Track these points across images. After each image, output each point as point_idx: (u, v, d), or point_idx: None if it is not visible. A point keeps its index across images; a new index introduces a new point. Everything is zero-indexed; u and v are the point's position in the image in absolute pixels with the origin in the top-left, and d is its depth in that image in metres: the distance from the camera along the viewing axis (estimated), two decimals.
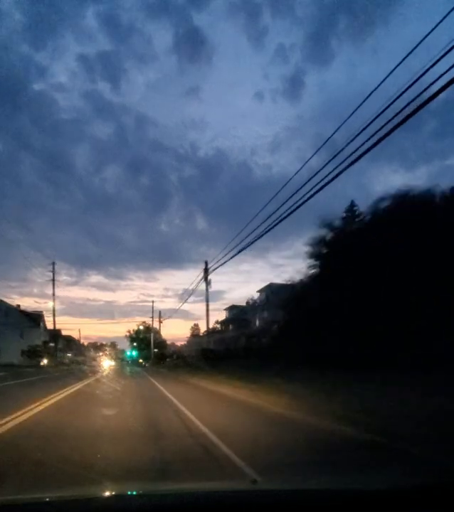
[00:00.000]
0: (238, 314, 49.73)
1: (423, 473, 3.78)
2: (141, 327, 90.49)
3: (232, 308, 52.78)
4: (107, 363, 46.42)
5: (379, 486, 1.88)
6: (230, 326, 50.49)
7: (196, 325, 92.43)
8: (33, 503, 1.64)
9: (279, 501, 1.66)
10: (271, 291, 38.46)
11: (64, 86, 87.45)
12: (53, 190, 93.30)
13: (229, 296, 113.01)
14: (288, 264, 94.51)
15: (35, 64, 77.72)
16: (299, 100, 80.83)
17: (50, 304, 46.04)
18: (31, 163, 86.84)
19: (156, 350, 68.85)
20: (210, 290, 26.86)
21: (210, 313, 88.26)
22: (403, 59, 7.12)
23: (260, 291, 39.70)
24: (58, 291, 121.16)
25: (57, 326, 55.28)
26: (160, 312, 47.64)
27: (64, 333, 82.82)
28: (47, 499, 1.67)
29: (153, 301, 64.85)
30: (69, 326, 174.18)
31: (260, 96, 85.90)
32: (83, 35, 78.50)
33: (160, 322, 46.57)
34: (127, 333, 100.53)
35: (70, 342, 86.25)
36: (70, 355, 78.32)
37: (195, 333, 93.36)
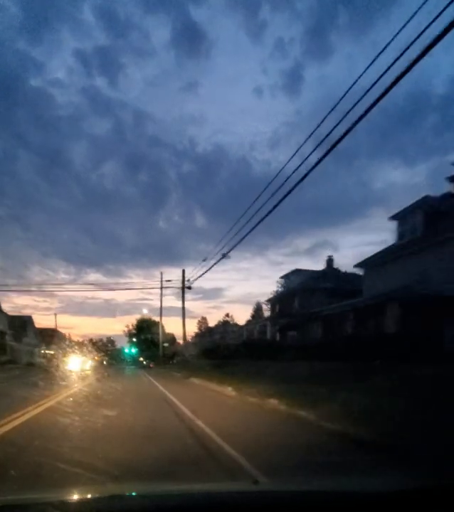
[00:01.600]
0: (310, 283, 29.47)
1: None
2: (144, 312, 73.36)
3: (295, 274, 32.45)
4: (76, 365, 25.58)
5: (381, 487, 1.88)
6: (296, 302, 30.17)
7: (203, 319, 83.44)
8: (33, 503, 1.60)
9: (280, 502, 1.63)
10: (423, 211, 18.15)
11: (61, 82, 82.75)
12: (50, 187, 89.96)
13: (228, 293, 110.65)
14: (287, 261, 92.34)
15: (32, 59, 72.63)
16: (299, 95, 78.82)
17: None
18: (28, 160, 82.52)
19: (166, 344, 49.75)
20: None
21: (209, 310, 60.17)
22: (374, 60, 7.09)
23: (396, 217, 19.21)
24: (56, 290, 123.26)
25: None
26: (184, 271, 27.21)
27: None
28: (47, 499, 1.64)
29: (162, 273, 44.34)
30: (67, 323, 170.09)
31: (259, 91, 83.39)
32: (80, 30, 73.50)
33: (184, 288, 25.90)
34: (126, 329, 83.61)
35: (49, 335, 65.98)
36: (51, 352, 59.38)
37: (203, 329, 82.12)
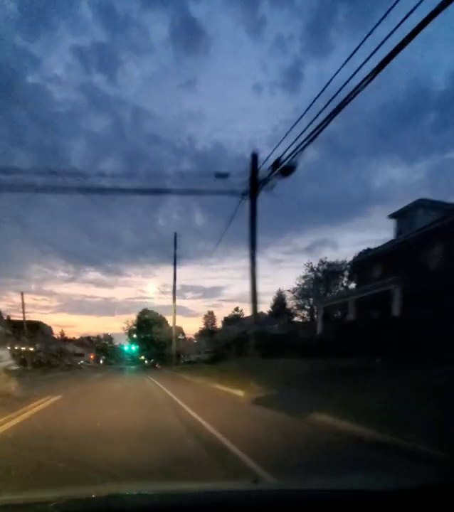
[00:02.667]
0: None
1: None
2: (146, 316, 60.49)
3: (420, 208, 18.53)
4: None
5: (382, 486, 1.86)
6: (434, 250, 16.20)
7: (210, 313, 77.24)
8: (33, 503, 1.60)
9: (280, 502, 1.61)
10: None
11: (59, 78, 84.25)
12: (48, 185, 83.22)
13: (227, 292, 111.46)
14: (287, 259, 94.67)
15: (29, 56, 74.19)
16: (298, 92, 79.12)
17: None
18: (25, 157, 76.38)
19: (182, 336, 36.38)
20: None
21: (208, 309, 57.89)
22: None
23: None
24: (55, 288, 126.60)
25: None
26: (255, 156, 12.69)
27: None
28: (47, 499, 1.57)
29: (175, 234, 30.78)
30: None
31: (258, 88, 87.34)
32: (78, 26, 76.12)
33: (255, 185, 11.43)
34: (125, 326, 71.29)
35: (26, 329, 51.81)
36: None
37: (210, 324, 74.00)
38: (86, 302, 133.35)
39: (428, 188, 74.20)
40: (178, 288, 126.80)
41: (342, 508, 1.58)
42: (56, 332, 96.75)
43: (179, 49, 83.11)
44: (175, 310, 32.79)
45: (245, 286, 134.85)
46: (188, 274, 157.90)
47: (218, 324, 72.39)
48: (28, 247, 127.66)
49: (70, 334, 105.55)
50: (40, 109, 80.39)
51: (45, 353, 53.60)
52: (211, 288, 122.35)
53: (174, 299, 32.16)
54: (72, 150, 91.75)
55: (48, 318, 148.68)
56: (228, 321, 62.12)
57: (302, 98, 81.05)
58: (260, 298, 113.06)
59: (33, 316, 70.37)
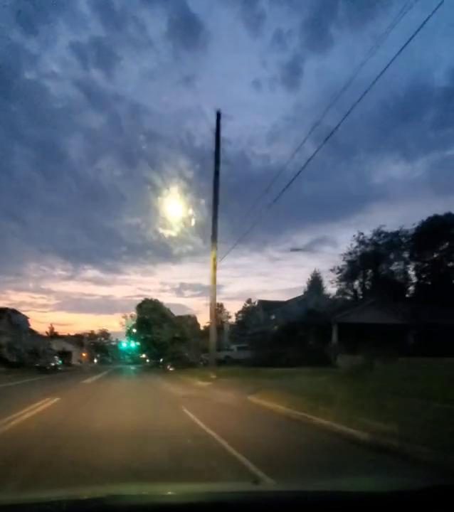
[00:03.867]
0: None
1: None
2: (146, 317, 46.32)
3: None
4: None
5: (381, 488, 1.85)
6: None
7: (219, 306, 71.67)
8: (33, 503, 1.60)
9: (280, 502, 1.61)
10: None
11: (56, 74, 79.09)
12: (47, 182, 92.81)
13: (227, 290, 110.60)
14: (286, 258, 78.09)
15: (26, 52, 67.98)
16: (298, 89, 79.28)
17: None
18: (23, 154, 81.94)
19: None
20: None
21: (207, 308, 51.65)
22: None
23: None
24: (54, 286, 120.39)
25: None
26: None
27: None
28: (47, 499, 1.62)
29: (218, 113, 16.04)
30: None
31: (257, 84, 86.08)
32: (75, 22, 67.21)
33: None
34: (124, 320, 57.22)
35: None
36: None
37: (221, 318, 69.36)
38: (84, 300, 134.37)
39: (428, 185, 70.55)
40: (176, 286, 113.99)
41: (342, 509, 1.56)
42: (46, 329, 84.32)
43: (178, 45, 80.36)
44: (213, 277, 17.82)
45: (243, 285, 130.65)
46: (187, 272, 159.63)
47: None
48: (26, 245, 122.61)
49: (68, 332, 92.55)
50: (38, 105, 77.87)
51: (11, 349, 38.93)
52: (207, 286, 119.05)
53: (215, 216, 17.44)
54: (70, 146, 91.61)
55: (47, 317, 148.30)
56: (266, 306, 48.80)
57: (302, 94, 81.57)
58: (260, 295, 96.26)
59: (31, 314, 58.41)
